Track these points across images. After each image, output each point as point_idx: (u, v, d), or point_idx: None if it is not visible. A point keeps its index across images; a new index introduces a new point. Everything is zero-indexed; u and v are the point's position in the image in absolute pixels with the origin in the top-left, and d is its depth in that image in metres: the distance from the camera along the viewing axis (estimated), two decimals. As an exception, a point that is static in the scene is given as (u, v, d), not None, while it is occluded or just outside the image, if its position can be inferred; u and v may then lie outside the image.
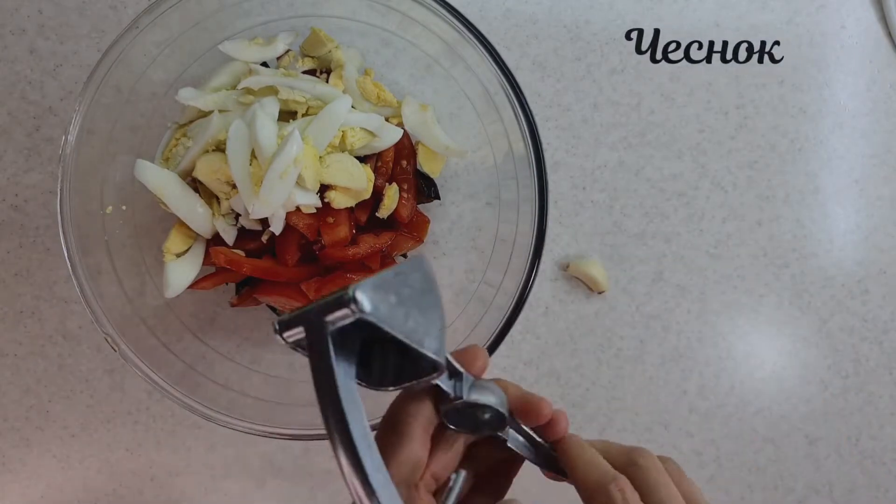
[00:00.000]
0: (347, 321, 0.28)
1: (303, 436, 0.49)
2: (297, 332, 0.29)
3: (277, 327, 0.30)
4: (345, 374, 0.29)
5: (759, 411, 0.65)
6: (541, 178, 0.50)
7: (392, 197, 0.55)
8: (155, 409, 0.61)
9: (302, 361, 0.60)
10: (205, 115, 0.53)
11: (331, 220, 0.53)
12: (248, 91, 0.53)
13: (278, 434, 0.49)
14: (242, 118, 0.51)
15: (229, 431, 0.50)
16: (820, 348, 0.66)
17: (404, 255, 0.60)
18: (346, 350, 0.29)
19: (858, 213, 0.66)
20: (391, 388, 0.33)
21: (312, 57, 0.57)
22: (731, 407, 0.65)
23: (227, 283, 0.56)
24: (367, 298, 0.27)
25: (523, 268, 0.51)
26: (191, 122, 0.54)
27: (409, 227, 0.58)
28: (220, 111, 0.53)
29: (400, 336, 0.29)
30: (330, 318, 0.28)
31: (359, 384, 0.32)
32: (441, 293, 0.33)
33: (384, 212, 0.55)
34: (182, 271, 0.53)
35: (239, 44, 0.55)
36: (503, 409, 0.35)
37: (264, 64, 0.56)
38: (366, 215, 0.55)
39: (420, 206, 0.59)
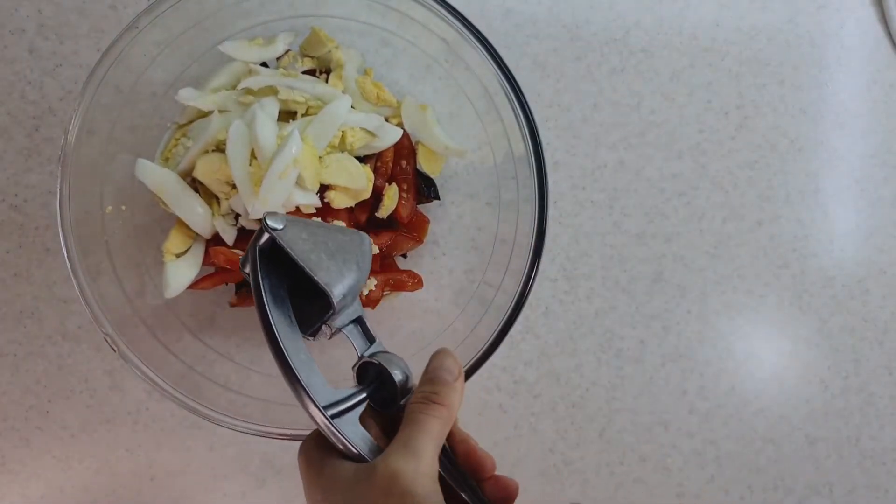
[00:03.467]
0: (265, 239, 0.36)
1: (303, 436, 0.49)
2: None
3: (240, 264, 0.39)
4: (271, 284, 0.37)
5: (759, 411, 0.65)
6: (541, 178, 0.50)
7: (392, 197, 0.55)
8: (154, 410, 0.61)
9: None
10: (205, 115, 0.53)
11: (330, 220, 0.53)
12: (248, 91, 0.53)
13: (278, 434, 0.49)
14: (242, 118, 0.51)
15: (229, 431, 0.50)
16: (820, 348, 0.66)
17: (404, 256, 0.60)
18: (278, 274, 0.37)
19: (859, 214, 0.66)
20: (308, 336, 0.39)
21: (312, 57, 0.57)
22: (731, 407, 0.65)
23: (226, 283, 0.56)
24: (276, 221, 0.36)
25: (523, 268, 0.51)
26: (190, 122, 0.54)
27: (409, 227, 0.58)
28: (219, 111, 0.53)
29: (298, 260, 0.36)
30: (258, 242, 0.37)
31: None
32: (367, 267, 0.40)
33: (384, 212, 0.55)
34: (182, 271, 0.53)
35: (239, 44, 0.55)
36: (397, 376, 0.38)
37: (264, 64, 0.56)
38: (365, 215, 0.55)
39: (420, 206, 0.59)
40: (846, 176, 0.66)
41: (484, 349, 0.50)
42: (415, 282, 0.57)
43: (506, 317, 0.50)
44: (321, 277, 0.37)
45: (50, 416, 0.61)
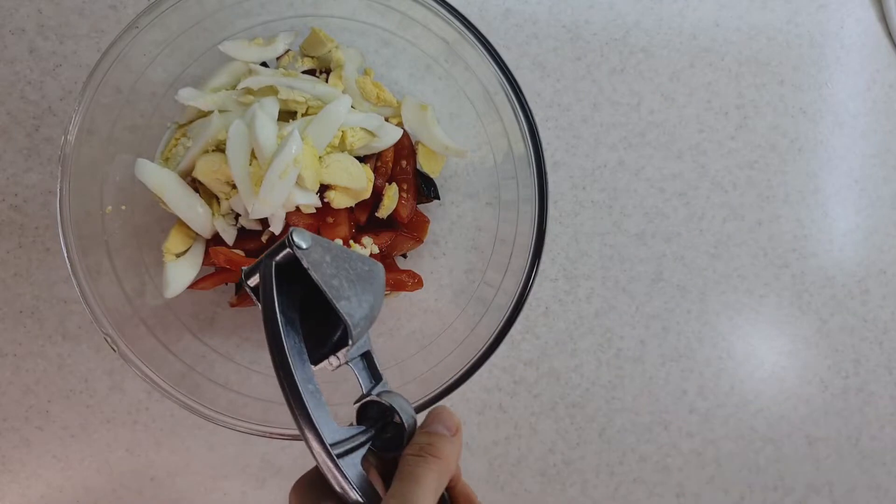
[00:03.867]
0: (284, 253, 0.33)
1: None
2: (256, 279, 0.34)
3: (243, 275, 0.35)
4: (281, 304, 0.33)
5: (759, 411, 0.65)
6: (541, 178, 0.50)
7: (392, 197, 0.55)
8: (154, 410, 0.61)
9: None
10: (205, 115, 0.53)
11: (330, 219, 0.53)
12: (248, 91, 0.53)
13: (278, 434, 0.49)
14: (242, 118, 0.51)
15: (229, 431, 0.50)
16: (820, 348, 0.66)
17: (404, 256, 0.60)
18: (288, 293, 0.34)
19: (858, 214, 0.66)
20: (314, 364, 0.36)
21: (312, 57, 0.57)
22: (731, 407, 0.65)
23: (226, 284, 0.56)
24: (303, 239, 0.33)
25: (523, 268, 0.51)
26: (191, 122, 0.54)
27: (409, 227, 0.58)
28: (219, 111, 0.53)
29: (321, 285, 0.33)
30: (276, 258, 0.34)
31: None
32: (381, 301, 0.38)
33: (384, 212, 0.55)
34: (182, 271, 0.53)
35: (239, 44, 0.55)
36: (406, 419, 0.37)
37: (264, 64, 0.56)
38: (365, 215, 0.55)
39: (420, 206, 0.59)
40: (846, 176, 0.66)
41: (484, 349, 0.50)
42: (415, 282, 0.57)
43: (506, 317, 0.50)
44: (343, 307, 0.34)
45: (50, 416, 0.61)
